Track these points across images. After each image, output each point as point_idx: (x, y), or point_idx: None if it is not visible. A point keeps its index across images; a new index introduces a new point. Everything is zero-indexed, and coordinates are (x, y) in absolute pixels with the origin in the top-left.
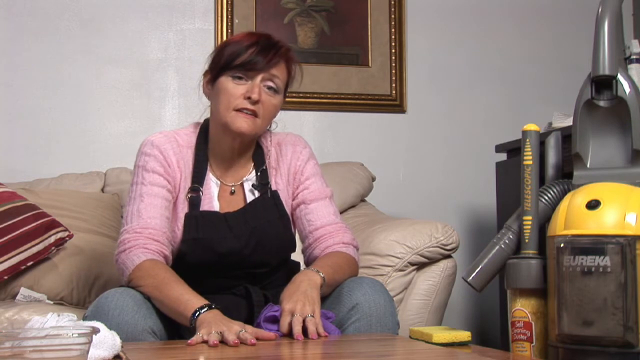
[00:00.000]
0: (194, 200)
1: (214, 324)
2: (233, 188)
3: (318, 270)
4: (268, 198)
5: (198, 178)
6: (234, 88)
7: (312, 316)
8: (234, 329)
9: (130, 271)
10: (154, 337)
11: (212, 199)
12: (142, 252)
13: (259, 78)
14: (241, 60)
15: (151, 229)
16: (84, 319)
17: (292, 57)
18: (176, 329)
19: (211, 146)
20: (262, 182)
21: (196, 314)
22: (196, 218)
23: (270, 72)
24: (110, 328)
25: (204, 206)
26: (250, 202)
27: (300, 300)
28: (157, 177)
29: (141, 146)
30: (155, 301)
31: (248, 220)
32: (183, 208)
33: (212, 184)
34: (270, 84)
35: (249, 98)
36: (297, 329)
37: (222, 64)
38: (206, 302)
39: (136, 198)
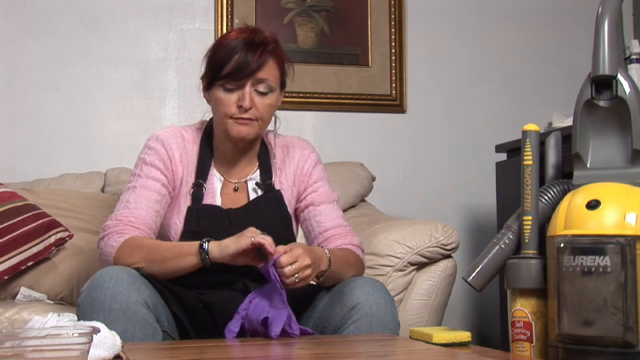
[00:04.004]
0: (197, 195)
1: (228, 242)
2: (236, 185)
3: (330, 259)
4: (271, 197)
5: (201, 173)
6: (226, 98)
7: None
8: (249, 235)
9: (114, 254)
10: (147, 309)
11: (215, 194)
12: (120, 237)
13: (248, 85)
14: (227, 70)
15: (133, 217)
16: (79, 295)
17: (280, 52)
18: (171, 302)
19: (215, 145)
20: (266, 181)
21: (204, 246)
22: (197, 211)
23: (258, 77)
24: (104, 298)
25: (207, 201)
26: (252, 200)
27: (309, 264)
28: (155, 171)
29: (147, 140)
30: (154, 267)
31: (249, 217)
32: (185, 201)
33: (215, 180)
34: (261, 87)
35: (241, 107)
36: (284, 272)
37: (212, 74)
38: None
39: (129, 189)
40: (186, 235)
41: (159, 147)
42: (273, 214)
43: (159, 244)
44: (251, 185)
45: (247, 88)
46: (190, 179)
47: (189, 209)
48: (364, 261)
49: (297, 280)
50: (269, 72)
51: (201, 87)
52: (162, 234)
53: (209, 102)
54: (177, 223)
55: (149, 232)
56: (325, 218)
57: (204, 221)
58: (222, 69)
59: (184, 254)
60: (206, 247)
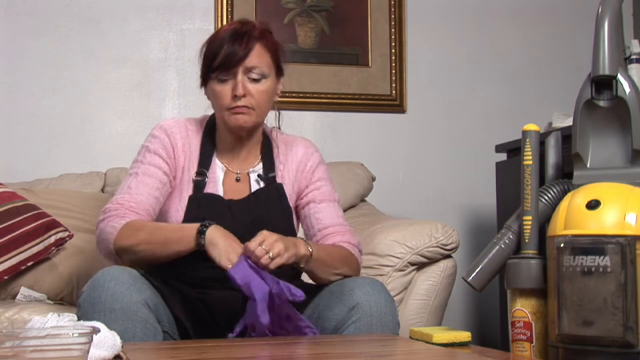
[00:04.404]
0: (199, 184)
1: (227, 244)
2: (238, 176)
3: (309, 246)
4: (273, 189)
5: (204, 163)
6: (221, 90)
7: (273, 258)
8: (228, 262)
9: (115, 235)
10: (148, 309)
11: (217, 183)
12: (122, 219)
13: (239, 73)
14: (217, 62)
15: (134, 202)
16: (80, 295)
17: (268, 38)
18: (172, 302)
19: (218, 136)
20: (268, 174)
21: (202, 234)
22: (199, 199)
23: (248, 63)
24: (105, 298)
25: (208, 190)
26: (254, 192)
27: (277, 239)
28: (157, 158)
29: (152, 129)
30: (155, 249)
31: (251, 209)
32: (187, 189)
33: (217, 170)
34: (253, 74)
35: (235, 96)
36: (256, 255)
37: (205, 69)
38: (195, 224)
39: (131, 175)
40: (186, 222)
41: (163, 136)
42: (274, 206)
43: (160, 225)
44: (253, 177)
45: (239, 76)
46: (193, 168)
47: (191, 198)
48: (359, 260)
49: (271, 258)
50: (258, 58)
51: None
52: (163, 221)
53: (209, 98)
54: (179, 210)
55: (148, 217)
56: (325, 216)
57: (204, 209)
58: (213, 62)
59: (185, 237)
60: (205, 232)
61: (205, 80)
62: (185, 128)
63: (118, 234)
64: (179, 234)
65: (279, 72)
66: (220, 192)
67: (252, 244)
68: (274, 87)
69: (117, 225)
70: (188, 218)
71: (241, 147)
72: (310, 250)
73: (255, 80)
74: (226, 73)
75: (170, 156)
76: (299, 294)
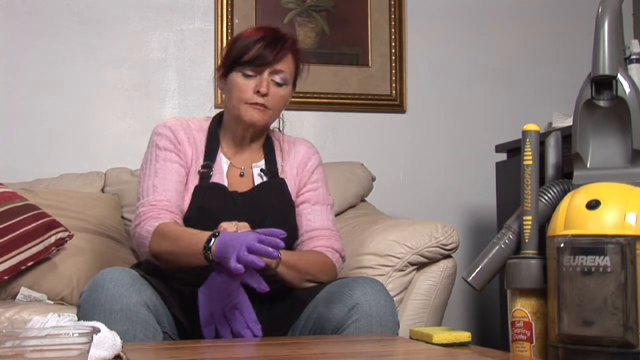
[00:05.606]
0: (205, 175)
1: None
2: (242, 171)
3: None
4: (275, 183)
5: (209, 156)
6: (244, 84)
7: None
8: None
9: (150, 239)
10: (147, 310)
11: (222, 175)
12: (156, 221)
13: (266, 72)
14: (249, 57)
15: (165, 201)
16: (79, 296)
17: (298, 50)
18: (171, 303)
19: (224, 132)
20: (271, 169)
21: (207, 251)
22: (204, 189)
23: (277, 67)
24: (105, 300)
25: (214, 181)
26: (258, 185)
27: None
28: (169, 153)
29: (154, 129)
30: (175, 260)
31: (254, 201)
32: (193, 180)
33: (222, 163)
34: (278, 77)
35: (258, 92)
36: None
37: (232, 60)
38: (208, 233)
39: (150, 174)
40: (191, 211)
41: (168, 133)
42: (277, 200)
43: (179, 235)
44: (256, 171)
45: (265, 75)
46: (199, 161)
47: (196, 187)
48: (337, 266)
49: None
50: (286, 65)
51: (215, 77)
52: None
53: (223, 90)
54: (186, 199)
55: (179, 214)
56: (316, 217)
57: (209, 198)
58: (243, 56)
59: (197, 255)
60: (211, 244)
61: (228, 71)
62: (187, 125)
63: (151, 238)
64: (192, 249)
65: (294, 85)
66: (225, 184)
67: (227, 224)
68: (288, 96)
69: (150, 229)
70: (193, 207)
71: (246, 144)
72: (279, 254)
73: (278, 84)
74: (253, 70)
75: (179, 149)
76: (263, 286)
